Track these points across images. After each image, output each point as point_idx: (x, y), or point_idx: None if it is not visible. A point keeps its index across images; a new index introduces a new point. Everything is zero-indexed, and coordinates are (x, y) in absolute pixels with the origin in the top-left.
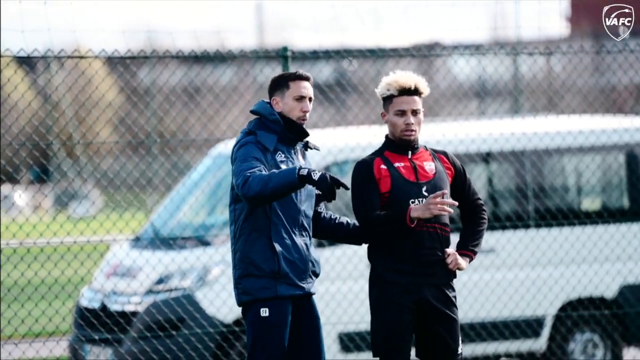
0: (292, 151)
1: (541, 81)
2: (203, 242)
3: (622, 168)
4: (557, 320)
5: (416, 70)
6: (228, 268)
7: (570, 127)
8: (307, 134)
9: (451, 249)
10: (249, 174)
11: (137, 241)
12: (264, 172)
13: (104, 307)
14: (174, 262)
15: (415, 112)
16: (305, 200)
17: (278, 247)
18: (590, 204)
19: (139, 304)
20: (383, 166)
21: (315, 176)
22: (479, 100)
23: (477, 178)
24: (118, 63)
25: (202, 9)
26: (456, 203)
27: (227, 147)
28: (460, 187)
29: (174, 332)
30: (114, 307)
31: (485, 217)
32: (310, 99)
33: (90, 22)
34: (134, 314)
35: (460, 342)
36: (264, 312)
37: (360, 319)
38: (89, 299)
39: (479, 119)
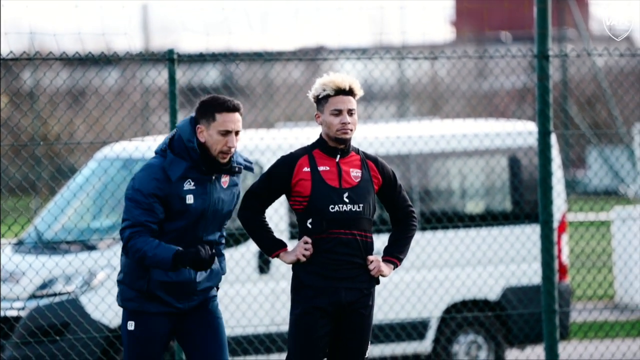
0: (210, 179)
1: (426, 85)
2: (88, 246)
3: (504, 171)
4: (441, 322)
5: (303, 74)
6: (114, 272)
7: (454, 131)
8: (223, 171)
9: (374, 256)
10: (133, 234)
11: (19, 245)
12: (146, 242)
13: None
14: (58, 267)
15: (350, 112)
16: (212, 226)
17: (153, 271)
18: (474, 207)
19: (21, 309)
20: (306, 169)
21: (190, 263)
22: (366, 104)
23: None
24: (0, 65)
25: (86, 10)
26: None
27: (112, 150)
28: (389, 194)
29: (57, 338)
30: None
31: (415, 223)
32: (237, 132)
33: None
34: (17, 319)
35: (368, 346)
36: (130, 325)
37: (247, 322)
38: None
39: (365, 123)
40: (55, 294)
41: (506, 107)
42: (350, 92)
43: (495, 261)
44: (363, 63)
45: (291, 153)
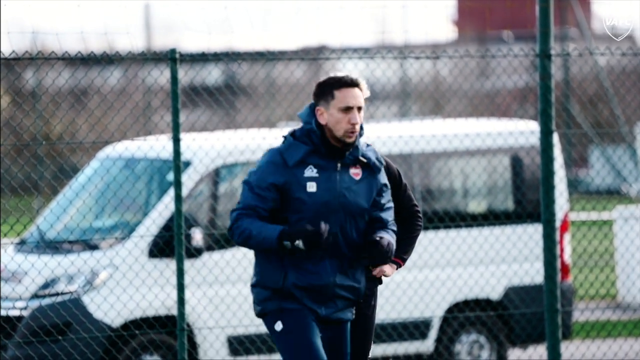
0: (335, 165)
1: (428, 84)
2: (90, 246)
3: (507, 171)
4: (444, 322)
5: (306, 73)
6: (116, 272)
7: (456, 130)
8: (345, 157)
9: None
10: (239, 217)
11: (22, 245)
12: (253, 223)
13: None
14: (60, 266)
15: (359, 109)
16: (348, 224)
17: (289, 271)
18: (476, 206)
19: (24, 309)
20: None
21: (299, 245)
22: (368, 104)
23: None
24: (2, 64)
25: (89, 9)
26: None
27: (115, 149)
28: (394, 193)
29: (60, 337)
30: None
31: (420, 223)
32: (359, 108)
33: None
34: (19, 318)
35: (371, 346)
36: (278, 325)
37: (249, 322)
38: None
39: (367, 122)
40: (57, 294)
41: (508, 106)
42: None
43: (498, 261)
44: (365, 62)
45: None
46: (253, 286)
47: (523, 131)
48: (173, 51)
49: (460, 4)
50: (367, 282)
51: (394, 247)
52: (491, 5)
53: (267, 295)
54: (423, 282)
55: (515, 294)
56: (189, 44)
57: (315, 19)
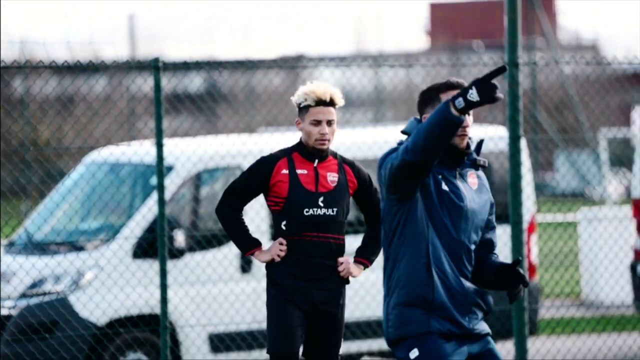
0: (454, 173)
1: (402, 92)
2: (76, 247)
3: None
4: None
5: (284, 81)
6: (101, 272)
7: None
8: (465, 155)
9: (344, 257)
10: (402, 148)
11: (10, 246)
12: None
13: None
14: (47, 267)
15: (330, 123)
16: (468, 230)
17: (436, 277)
18: None
19: (12, 308)
20: (285, 171)
21: (472, 96)
22: (344, 110)
23: None
24: None
25: (75, 20)
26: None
27: (100, 154)
28: (364, 197)
29: (47, 335)
30: None
31: None
32: (469, 114)
33: None
34: (8, 317)
35: (341, 344)
36: (413, 353)
37: (229, 320)
38: None
39: (343, 128)
40: (44, 293)
41: (478, 112)
42: (330, 103)
43: None
44: (341, 70)
45: (271, 154)
46: (390, 306)
47: (492, 136)
48: (156, 60)
49: (432, 15)
50: (335, 283)
51: None
52: (462, 16)
53: (411, 314)
54: None
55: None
56: (172, 53)
57: (294, 29)
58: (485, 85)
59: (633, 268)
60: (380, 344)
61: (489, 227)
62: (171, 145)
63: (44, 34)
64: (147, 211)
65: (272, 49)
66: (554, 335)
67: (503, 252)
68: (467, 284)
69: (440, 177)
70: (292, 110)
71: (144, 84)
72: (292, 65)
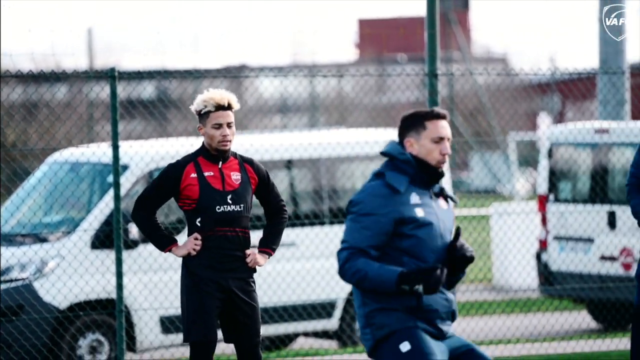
0: (429, 195)
1: (334, 99)
2: (40, 239)
3: None
4: (347, 303)
5: (228, 89)
6: (62, 261)
7: (358, 139)
8: (441, 177)
9: (251, 249)
10: (349, 257)
11: None
12: (365, 263)
13: None
14: (14, 256)
15: (229, 125)
16: (441, 251)
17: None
18: None
19: None
20: (193, 174)
21: (419, 289)
22: (282, 115)
23: (280, 182)
24: None
25: (38, 33)
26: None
27: (61, 155)
28: (264, 192)
29: (14, 318)
30: None
31: (286, 216)
32: (449, 139)
33: None
34: None
35: (260, 327)
36: (404, 346)
37: (179, 304)
38: None
39: (281, 131)
40: (11, 280)
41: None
42: (228, 107)
43: None
44: (279, 80)
45: (178, 161)
46: (370, 312)
47: None
48: (112, 70)
49: (361, 30)
50: (246, 272)
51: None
52: (387, 32)
53: (395, 315)
54: (329, 269)
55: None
56: (127, 64)
57: (237, 42)
58: (431, 284)
59: (538, 256)
60: (315, 325)
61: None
62: (126, 147)
63: (9, 46)
64: (105, 206)
65: (218, 59)
66: (469, 316)
67: None
68: (449, 293)
69: (417, 197)
70: (235, 115)
71: (102, 91)
72: (235, 75)
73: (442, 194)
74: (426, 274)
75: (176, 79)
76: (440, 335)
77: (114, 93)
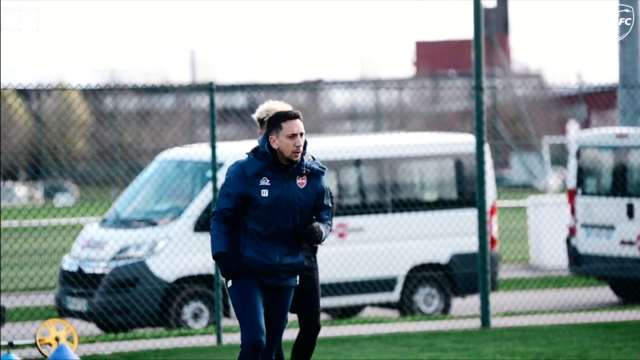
0: (285, 176)
1: (395, 108)
2: (151, 223)
3: (451, 170)
4: (407, 279)
5: (306, 99)
6: (170, 242)
7: (415, 141)
8: (295, 164)
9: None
10: (215, 219)
11: (104, 222)
12: (216, 227)
13: (80, 270)
14: (130, 238)
15: (301, 134)
16: (288, 218)
17: (247, 251)
18: (430, 196)
19: (105, 268)
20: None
21: (221, 267)
22: (351, 122)
23: (350, 177)
24: (90, 93)
25: (149, 52)
26: None
27: (169, 154)
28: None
29: (131, 289)
30: (87, 270)
31: (333, 203)
32: (302, 134)
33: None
34: (102, 275)
35: (320, 298)
36: (230, 283)
37: None
38: (69, 264)
39: (351, 135)
40: (129, 257)
41: (453, 124)
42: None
43: (445, 235)
44: (350, 91)
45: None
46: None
47: (463, 142)
48: (211, 83)
49: (418, 50)
50: (309, 251)
51: (326, 234)
52: (440, 52)
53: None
54: (392, 250)
55: (458, 259)
56: (223, 78)
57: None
58: (222, 270)
59: (568, 241)
60: (380, 297)
61: (319, 208)
62: (222, 147)
63: (127, 64)
64: (204, 196)
65: (297, 74)
66: (509, 291)
67: (472, 229)
68: (275, 260)
69: (264, 182)
70: (313, 121)
71: (202, 101)
72: (313, 87)
73: (306, 174)
74: (221, 265)
75: (263, 90)
76: (264, 285)
77: (212, 103)
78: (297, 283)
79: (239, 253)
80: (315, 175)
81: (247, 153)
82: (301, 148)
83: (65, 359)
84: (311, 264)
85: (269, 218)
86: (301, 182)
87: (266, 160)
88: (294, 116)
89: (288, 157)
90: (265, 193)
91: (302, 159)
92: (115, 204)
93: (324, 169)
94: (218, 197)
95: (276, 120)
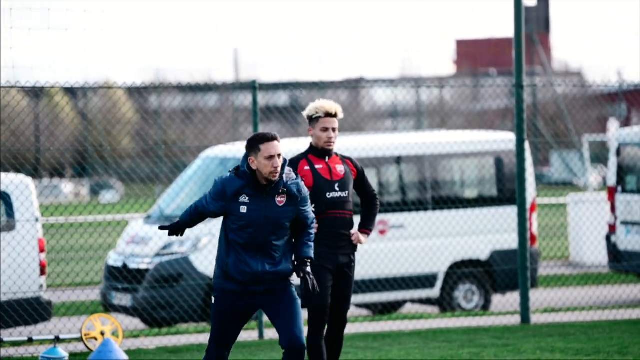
0: (263, 195)
1: (436, 106)
2: None
3: (492, 168)
4: (447, 275)
5: (348, 98)
6: (213, 238)
7: (456, 139)
8: (273, 184)
9: (354, 229)
10: (193, 205)
11: (148, 218)
12: (190, 211)
13: (124, 266)
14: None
15: (334, 129)
16: (266, 233)
17: (231, 260)
18: (470, 193)
19: (149, 264)
20: (307, 167)
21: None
22: (392, 119)
23: (391, 175)
24: (135, 91)
25: (194, 51)
26: None
27: (213, 151)
28: (361, 183)
29: (174, 284)
30: (132, 265)
31: (378, 203)
32: (279, 155)
33: (117, 61)
34: (146, 270)
35: (351, 296)
36: (213, 299)
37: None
38: (114, 259)
39: (392, 133)
40: (172, 253)
41: (493, 122)
42: (335, 115)
43: (485, 232)
44: (391, 90)
45: (292, 158)
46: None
47: (503, 140)
48: (254, 82)
49: (458, 48)
50: (349, 249)
51: (312, 282)
52: (481, 50)
53: (219, 273)
54: (432, 246)
55: (498, 255)
56: (266, 76)
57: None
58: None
59: (608, 238)
60: (420, 293)
61: (302, 218)
62: None
63: (172, 63)
64: None
65: (339, 72)
66: (549, 288)
67: (512, 226)
68: (258, 269)
69: (246, 197)
70: (354, 120)
71: (245, 99)
72: (354, 86)
73: (283, 193)
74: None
75: (305, 89)
76: (255, 294)
77: (255, 101)
78: (297, 278)
79: (221, 265)
80: (293, 196)
81: (229, 171)
82: (279, 169)
83: (110, 353)
84: (350, 262)
85: (249, 231)
86: (280, 200)
87: (246, 179)
88: (272, 138)
89: (266, 177)
90: (244, 209)
91: (281, 177)
92: (159, 200)
93: (301, 193)
94: (206, 195)
95: (254, 142)
